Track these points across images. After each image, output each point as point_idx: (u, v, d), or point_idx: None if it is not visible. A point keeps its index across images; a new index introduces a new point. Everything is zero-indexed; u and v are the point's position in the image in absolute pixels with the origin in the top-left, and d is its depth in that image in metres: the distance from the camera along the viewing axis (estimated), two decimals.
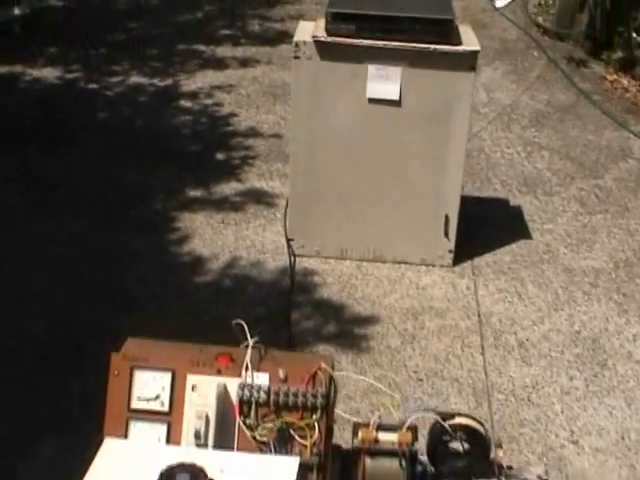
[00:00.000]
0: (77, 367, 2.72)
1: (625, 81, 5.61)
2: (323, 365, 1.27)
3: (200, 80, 5.23)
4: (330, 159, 3.23)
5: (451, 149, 3.16)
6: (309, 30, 3.11)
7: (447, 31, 2.98)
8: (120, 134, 4.49)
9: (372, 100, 3.13)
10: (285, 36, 5.85)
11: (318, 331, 2.98)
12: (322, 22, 3.06)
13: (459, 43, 3.01)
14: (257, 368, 1.27)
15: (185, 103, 4.90)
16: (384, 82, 3.09)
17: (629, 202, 4.06)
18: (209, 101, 4.95)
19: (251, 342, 1.32)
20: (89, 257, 3.40)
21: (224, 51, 5.75)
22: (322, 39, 3.03)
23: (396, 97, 3.10)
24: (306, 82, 3.12)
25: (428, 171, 3.22)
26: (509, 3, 7.01)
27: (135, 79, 5.20)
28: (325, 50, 3.06)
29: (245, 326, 1.33)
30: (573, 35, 6.17)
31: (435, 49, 2.99)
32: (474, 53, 2.99)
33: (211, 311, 3.09)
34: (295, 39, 3.06)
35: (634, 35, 5.53)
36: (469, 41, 3.03)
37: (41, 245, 3.45)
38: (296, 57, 3.09)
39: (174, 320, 3.00)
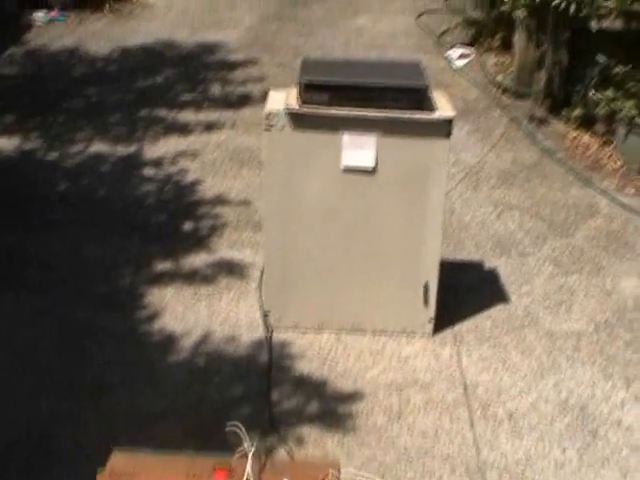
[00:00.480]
0: (45, 463, 2.54)
1: (586, 138, 5.65)
2: (330, 472, 1.14)
3: (163, 147, 5.14)
4: (305, 229, 3.16)
5: (428, 217, 3.10)
6: (280, 100, 3.03)
7: (421, 98, 2.93)
8: (82, 206, 4.36)
9: (347, 169, 3.06)
10: (248, 99, 5.84)
11: (301, 411, 2.86)
12: (293, 91, 2.99)
13: (433, 110, 2.96)
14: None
15: (149, 171, 4.79)
16: (359, 151, 3.02)
17: (602, 260, 4.03)
18: (174, 168, 4.86)
19: (250, 450, 1.18)
20: (53, 339, 3.25)
21: (187, 116, 5.67)
22: (296, 110, 2.93)
23: (371, 166, 3.04)
24: (279, 153, 3.05)
25: (406, 239, 3.16)
26: (467, 63, 7.06)
27: (96, 147, 5.09)
28: (298, 120, 3.00)
29: (242, 430, 1.19)
30: (532, 93, 6.21)
31: (409, 117, 2.94)
32: (449, 120, 2.93)
33: (186, 393, 2.95)
34: (267, 110, 2.98)
35: (592, 92, 5.56)
36: (443, 108, 2.98)
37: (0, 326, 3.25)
38: (268, 128, 2.98)
39: (146, 406, 2.83)
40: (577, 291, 3.73)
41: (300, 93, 2.93)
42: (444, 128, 2.96)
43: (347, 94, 2.96)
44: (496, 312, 3.52)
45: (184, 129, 5.48)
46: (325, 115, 2.97)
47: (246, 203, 4.38)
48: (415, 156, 3.02)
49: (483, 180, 4.94)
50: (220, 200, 4.54)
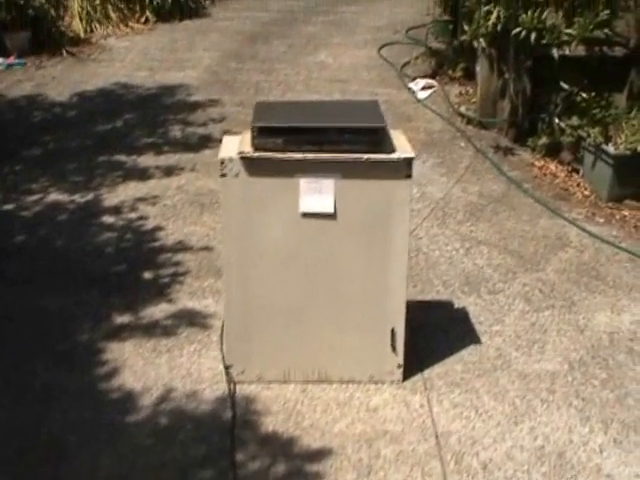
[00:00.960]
0: None
1: (553, 166, 5.62)
2: None
3: (123, 193, 5.03)
4: (266, 277, 3.07)
5: (392, 260, 3.00)
6: (234, 145, 2.94)
7: (378, 139, 2.84)
8: (39, 257, 4.22)
9: (306, 214, 2.98)
10: (208, 141, 5.78)
11: (266, 472, 2.73)
12: (248, 136, 2.90)
13: (392, 151, 2.88)
14: None
15: (108, 219, 4.67)
16: (317, 195, 2.95)
17: (574, 295, 3.95)
18: (133, 215, 4.75)
19: None
20: (8, 399, 3.08)
21: (146, 160, 5.59)
22: (249, 155, 2.83)
23: (331, 210, 2.96)
24: (235, 200, 2.97)
25: (369, 284, 3.08)
26: (431, 94, 7.04)
27: (54, 196, 4.97)
28: (253, 166, 2.90)
29: None
30: (497, 123, 6.20)
31: (367, 159, 2.85)
32: (408, 160, 2.85)
33: (148, 454, 2.81)
34: (220, 156, 2.89)
35: (556, 121, 5.53)
36: (402, 148, 2.91)
37: None
38: (223, 175, 2.88)
39: (107, 469, 2.69)
40: (549, 329, 3.65)
41: (253, 138, 2.82)
42: (404, 169, 2.87)
43: (302, 137, 2.87)
44: (467, 354, 3.41)
45: (144, 174, 5.38)
46: (280, 160, 2.88)
47: (208, 249, 4.27)
48: (375, 198, 2.95)
49: (450, 215, 4.86)
50: (181, 247, 4.45)
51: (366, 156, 2.92)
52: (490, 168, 5.59)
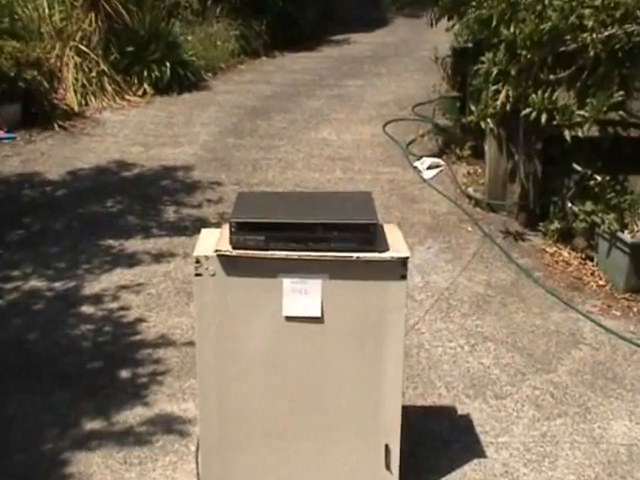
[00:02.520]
0: None
1: (565, 253, 5.46)
2: None
3: (106, 280, 4.89)
4: (245, 386, 2.92)
5: (386, 368, 2.83)
6: (212, 241, 2.79)
7: (370, 237, 2.70)
8: (9, 353, 4.05)
9: (290, 318, 2.83)
10: (202, 223, 5.72)
11: None
12: (227, 231, 2.74)
13: (385, 249, 2.73)
14: None
15: (87, 309, 4.52)
16: (302, 297, 2.81)
17: (588, 400, 3.74)
18: (114, 305, 4.61)
19: None
20: None
21: (135, 244, 5.49)
22: (227, 254, 2.67)
23: (317, 314, 2.83)
24: (212, 302, 2.84)
25: (361, 394, 2.93)
26: (437, 173, 6.96)
27: (33, 283, 4.82)
28: (231, 265, 2.78)
29: None
30: (506, 206, 6.07)
31: (358, 258, 2.69)
32: (403, 260, 2.69)
33: None
34: (195, 253, 2.74)
35: (569, 205, 5.38)
36: (396, 245, 2.77)
37: None
38: (198, 274, 2.72)
39: None
40: (562, 440, 3.43)
41: (232, 234, 2.69)
42: (398, 269, 2.73)
43: (286, 234, 2.78)
44: (470, 470, 3.20)
45: (130, 259, 5.29)
46: (261, 259, 2.77)
47: (191, 344, 4.09)
48: (367, 301, 2.82)
49: (455, 307, 4.73)
50: (163, 341, 4.33)
51: (356, 255, 2.80)
52: (499, 255, 5.49)
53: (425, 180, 6.96)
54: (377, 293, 2.88)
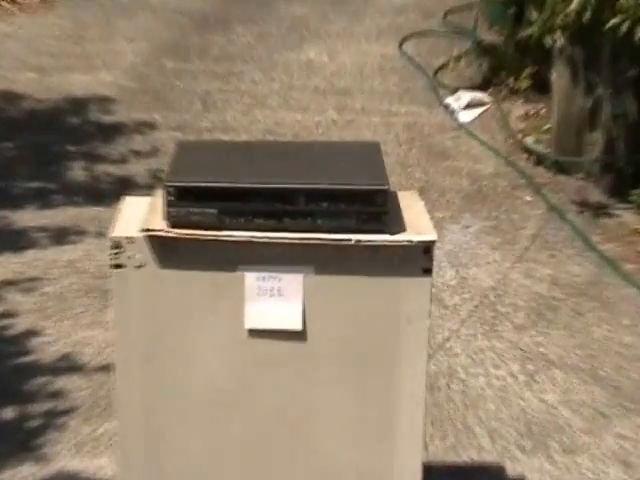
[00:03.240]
0: None
1: None
2: None
3: None
4: (186, 439, 2.97)
5: (400, 408, 2.93)
6: (139, 215, 2.82)
7: (378, 210, 2.76)
8: None
9: (256, 333, 2.87)
10: (125, 187, 5.76)
11: None
12: (162, 200, 2.76)
13: (400, 229, 2.77)
14: None
15: None
16: (275, 301, 2.85)
17: None
18: None
19: None
20: None
21: (24, 218, 5.55)
22: (161, 234, 2.68)
23: (297, 326, 2.85)
24: (138, 307, 2.87)
25: (360, 448, 2.98)
26: (480, 115, 7.00)
27: None
28: (168, 252, 2.81)
29: None
30: (583, 165, 6.11)
31: (358, 242, 2.71)
32: (427, 245, 2.74)
33: None
34: (114, 234, 2.76)
35: None
36: (417, 223, 2.83)
37: None
38: (117, 265, 2.79)
39: None
40: None
41: (169, 205, 2.72)
42: (419, 259, 2.78)
43: (251, 205, 2.78)
44: None
45: (18, 240, 5.36)
46: (213, 242, 2.80)
47: (108, 369, 4.15)
48: (372, 308, 2.84)
49: (504, 316, 4.83)
50: (66, 364, 4.38)
51: (356, 238, 2.81)
52: (571, 238, 5.59)
53: (461, 125, 7.02)
54: (387, 295, 2.91)
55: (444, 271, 4.96)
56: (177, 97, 7.09)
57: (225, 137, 6.29)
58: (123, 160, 6.24)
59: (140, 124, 6.62)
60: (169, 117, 6.71)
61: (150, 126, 6.57)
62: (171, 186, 2.85)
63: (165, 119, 6.68)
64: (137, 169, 5.92)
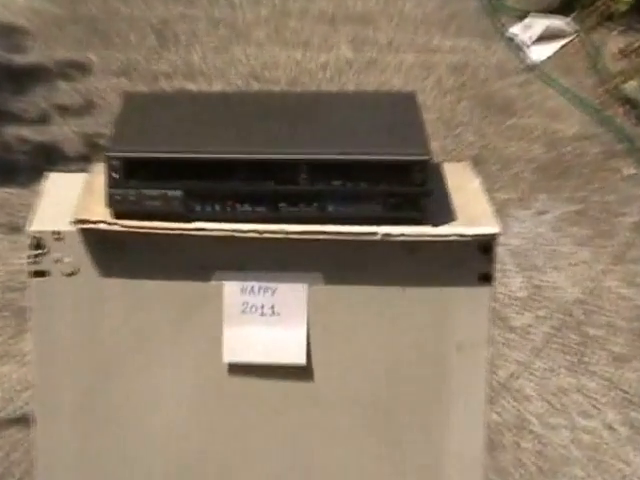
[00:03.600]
0: None
1: None
2: None
3: None
4: None
5: (444, 473, 3.02)
6: (67, 201, 2.86)
7: (415, 190, 2.79)
8: None
9: (237, 368, 2.91)
10: (51, 158, 5.78)
11: None
12: (101, 179, 2.80)
13: (447, 218, 2.81)
14: None
15: None
16: (266, 323, 2.89)
17: None
18: None
19: None
20: None
21: None
22: (102, 227, 2.71)
23: (300, 360, 2.90)
24: (68, 331, 2.93)
25: None
26: (557, 51, 7.00)
27: None
28: (111, 253, 2.86)
29: None
30: None
31: (387, 236, 2.75)
32: (487, 241, 2.75)
33: None
34: (32, 228, 2.81)
35: None
36: (471, 209, 2.86)
37: None
38: (38, 272, 2.82)
39: None
40: None
41: (113, 185, 2.76)
42: (475, 261, 2.83)
43: (232, 186, 2.82)
44: None
45: None
46: (176, 237, 2.81)
47: (25, 422, 4.14)
48: (406, 332, 2.89)
49: (597, 342, 4.91)
50: None
51: (383, 230, 2.82)
52: None
53: (532, 65, 7.03)
54: (428, 313, 2.95)
55: (510, 278, 4.95)
56: (121, 28, 7.08)
57: (191, 86, 6.28)
58: (43, 119, 6.24)
59: (67, 67, 6.62)
60: (110, 57, 6.70)
61: (82, 70, 6.57)
62: (116, 158, 2.87)
63: (104, 60, 6.68)
64: (63, 133, 5.93)
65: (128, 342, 3.00)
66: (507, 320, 4.67)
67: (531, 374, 4.54)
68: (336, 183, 2.88)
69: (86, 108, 6.11)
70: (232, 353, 2.98)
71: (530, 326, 4.72)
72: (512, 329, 4.60)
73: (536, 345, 4.64)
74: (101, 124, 5.65)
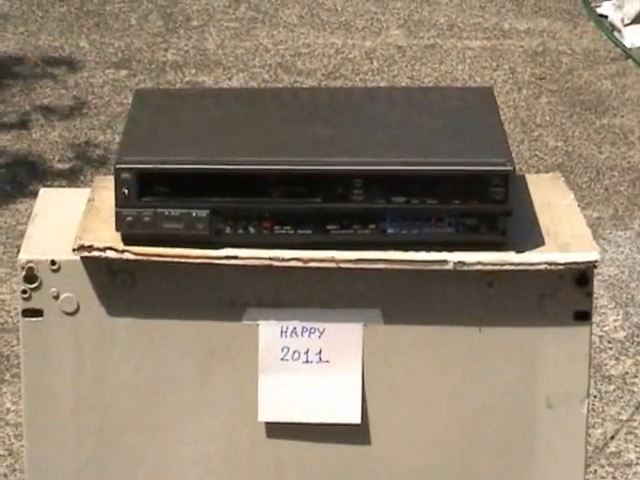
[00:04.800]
0: None
1: None
2: None
3: None
4: None
5: None
6: (65, 223, 2.87)
7: (495, 207, 2.82)
8: None
9: (276, 429, 2.91)
10: (36, 170, 5.79)
11: None
12: (108, 196, 2.80)
13: (534, 242, 2.80)
14: None
15: None
16: (311, 372, 2.93)
17: None
18: None
19: None
20: None
21: None
22: (110, 254, 2.72)
23: (354, 418, 2.92)
24: (67, 383, 2.95)
25: None
26: None
27: None
28: (121, 286, 2.88)
29: None
30: None
31: (460, 265, 2.74)
32: (584, 269, 2.74)
33: None
34: (22, 256, 2.83)
35: None
36: (563, 230, 2.88)
37: None
38: (30, 311, 2.83)
39: None
40: None
41: (124, 205, 2.76)
42: (569, 295, 2.85)
43: (270, 204, 2.85)
44: None
45: None
46: (202, 267, 2.83)
47: None
48: (484, 383, 2.91)
49: None
50: None
51: (456, 257, 2.83)
52: None
53: (628, 52, 6.98)
54: (511, 360, 2.96)
55: (604, 315, 4.93)
56: (120, 9, 7.10)
57: (206, 80, 6.29)
58: (23, 124, 6.17)
59: (53, 58, 6.61)
60: (105, 45, 6.71)
61: (71, 62, 6.57)
62: (127, 170, 2.89)
63: (98, 49, 6.69)
64: (49, 139, 5.91)
65: (139, 398, 3.01)
66: (601, 368, 4.64)
67: (631, 433, 4.51)
68: (397, 200, 2.88)
69: (76, 109, 6.09)
70: (269, 411, 2.99)
71: (629, 375, 4.70)
72: (608, 379, 4.58)
73: (637, 398, 4.60)
74: (95, 128, 5.64)
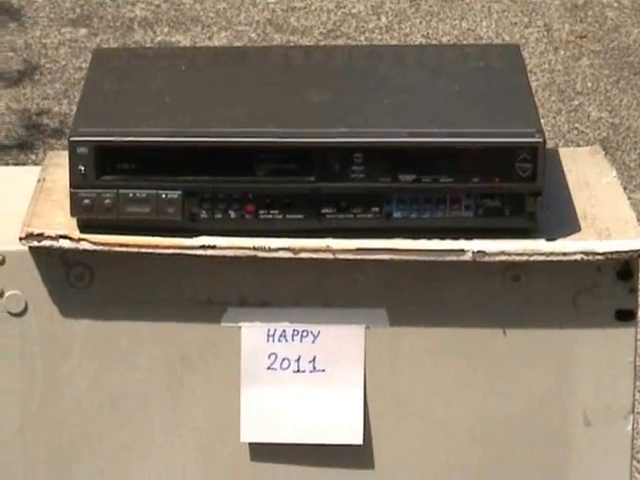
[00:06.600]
0: None
1: None
2: None
3: None
4: None
5: None
6: (12, 207, 2.90)
7: (522, 187, 2.83)
8: None
9: (259, 452, 2.95)
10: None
11: None
12: (61, 173, 2.79)
13: (568, 228, 2.77)
14: None
15: None
16: (303, 384, 2.88)
17: None
18: None
19: None
20: None
21: None
22: (65, 244, 2.75)
23: (355, 439, 2.93)
24: (11, 392, 2.99)
25: None
26: None
27: None
28: (75, 278, 2.90)
29: None
30: None
31: (481, 254, 2.75)
32: (627, 260, 2.78)
33: None
34: None
35: None
36: (603, 214, 2.86)
37: None
38: None
39: None
40: None
41: (80, 185, 2.81)
42: (609, 291, 2.85)
43: (253, 185, 2.86)
44: None
45: None
46: (174, 259, 2.85)
47: None
48: (510, 394, 2.93)
49: None
50: None
51: (476, 246, 2.84)
52: None
53: None
54: (541, 367, 2.96)
55: None
56: None
57: (182, 40, 6.31)
58: None
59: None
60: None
61: (19, 17, 6.60)
62: (83, 143, 2.90)
63: (52, 2, 6.72)
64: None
65: (99, 414, 3.03)
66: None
67: None
68: (405, 178, 2.88)
69: (27, 74, 6.11)
70: (253, 430, 3.00)
71: None
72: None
73: None
74: (49, 97, 5.67)
